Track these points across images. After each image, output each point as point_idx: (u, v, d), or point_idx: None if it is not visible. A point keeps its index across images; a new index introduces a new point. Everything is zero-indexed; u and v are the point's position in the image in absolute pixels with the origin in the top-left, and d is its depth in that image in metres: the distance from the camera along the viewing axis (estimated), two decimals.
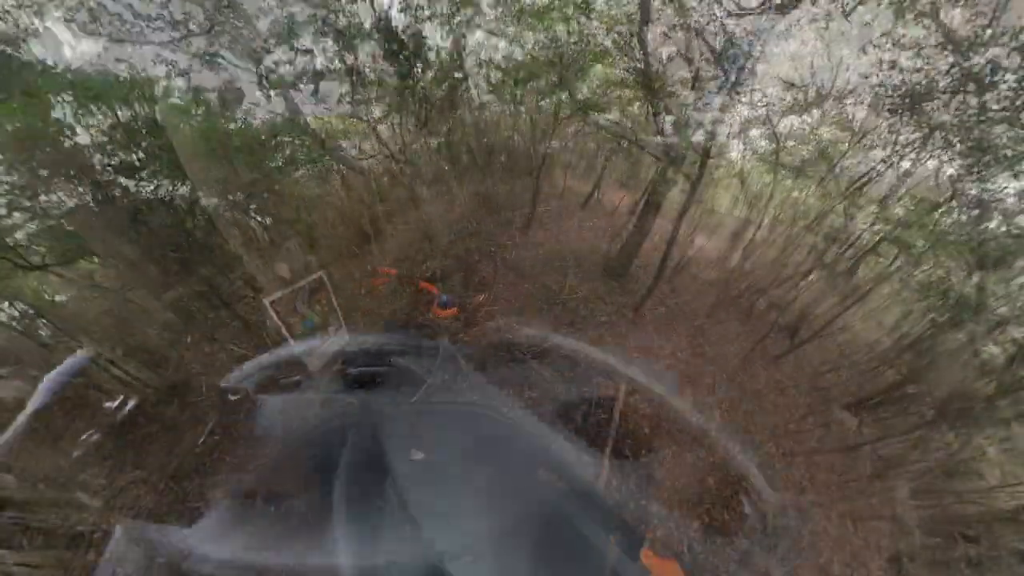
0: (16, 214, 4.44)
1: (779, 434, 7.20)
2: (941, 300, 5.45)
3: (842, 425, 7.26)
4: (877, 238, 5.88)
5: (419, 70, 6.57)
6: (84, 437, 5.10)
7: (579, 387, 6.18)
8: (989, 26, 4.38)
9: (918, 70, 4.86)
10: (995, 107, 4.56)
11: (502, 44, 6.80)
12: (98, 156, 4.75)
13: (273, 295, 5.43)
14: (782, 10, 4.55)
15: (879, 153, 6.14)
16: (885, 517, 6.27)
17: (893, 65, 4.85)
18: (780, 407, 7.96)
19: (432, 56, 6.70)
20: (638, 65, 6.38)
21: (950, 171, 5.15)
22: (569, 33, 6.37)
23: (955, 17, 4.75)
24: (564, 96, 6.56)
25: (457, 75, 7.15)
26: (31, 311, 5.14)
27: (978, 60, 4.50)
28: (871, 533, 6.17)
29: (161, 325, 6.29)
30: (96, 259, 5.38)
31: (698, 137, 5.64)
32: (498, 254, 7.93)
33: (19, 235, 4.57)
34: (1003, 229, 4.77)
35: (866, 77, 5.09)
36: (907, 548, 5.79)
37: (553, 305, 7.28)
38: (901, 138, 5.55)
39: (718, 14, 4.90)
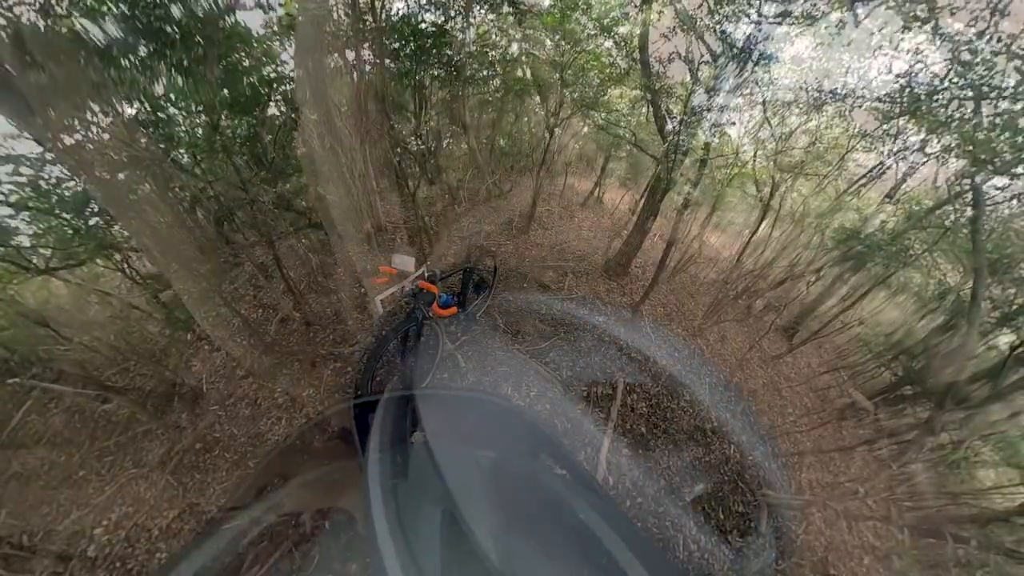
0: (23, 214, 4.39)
1: (776, 434, 7.27)
2: (938, 302, 5.52)
3: (859, 408, 7.27)
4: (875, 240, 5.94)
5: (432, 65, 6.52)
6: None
7: (577, 385, 6.23)
8: (986, 32, 4.40)
9: (917, 75, 4.90)
10: (992, 113, 4.60)
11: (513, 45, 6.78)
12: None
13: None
14: (800, 20, 4.54)
15: (878, 155, 6.20)
16: (878, 517, 6.35)
17: (893, 71, 4.89)
18: (776, 408, 8.04)
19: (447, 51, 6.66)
20: (637, 66, 6.42)
21: (949, 173, 5.21)
22: (570, 35, 6.41)
23: (954, 24, 4.77)
24: (567, 95, 6.60)
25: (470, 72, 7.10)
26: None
27: (977, 67, 4.52)
28: (864, 532, 6.25)
29: (162, 323, 6.31)
30: (100, 262, 5.32)
31: (699, 138, 5.68)
32: (498, 253, 7.96)
33: (22, 237, 4.50)
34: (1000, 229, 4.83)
35: (869, 81, 5.14)
36: (898, 547, 5.86)
37: (552, 305, 7.32)
38: (901, 140, 5.61)
39: (722, 18, 4.94)
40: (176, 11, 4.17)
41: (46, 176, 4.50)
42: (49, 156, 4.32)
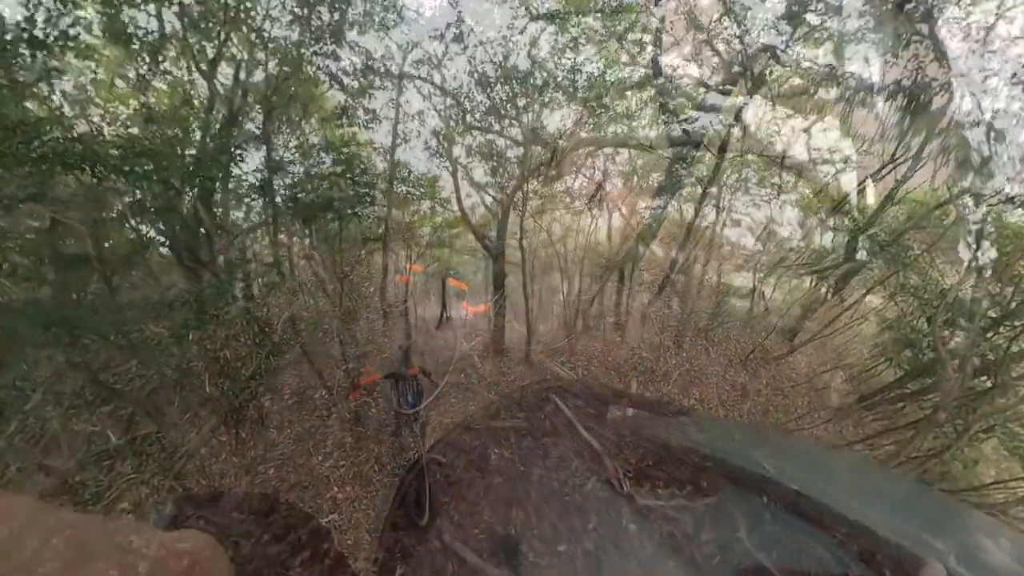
0: None
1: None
2: (938, 302, 5.72)
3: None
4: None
5: None
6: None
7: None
8: (984, 44, 4.68)
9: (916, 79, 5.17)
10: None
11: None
12: None
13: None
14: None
15: (877, 158, 6.48)
16: None
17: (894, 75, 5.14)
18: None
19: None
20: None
21: (947, 174, 5.47)
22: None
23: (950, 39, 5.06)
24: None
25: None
26: None
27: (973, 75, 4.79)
28: None
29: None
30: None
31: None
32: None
33: None
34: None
35: (870, 86, 5.40)
36: None
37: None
38: (900, 143, 5.87)
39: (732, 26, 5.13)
40: None
41: None
42: None
